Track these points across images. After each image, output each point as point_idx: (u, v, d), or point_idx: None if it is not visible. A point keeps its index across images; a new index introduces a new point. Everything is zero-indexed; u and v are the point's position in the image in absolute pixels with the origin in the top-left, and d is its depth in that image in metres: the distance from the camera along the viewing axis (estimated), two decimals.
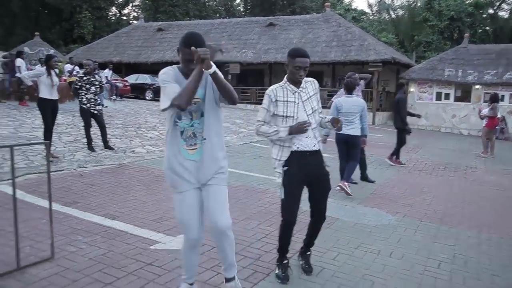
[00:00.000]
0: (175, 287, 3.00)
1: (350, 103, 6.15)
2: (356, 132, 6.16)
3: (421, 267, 3.73)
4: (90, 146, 8.26)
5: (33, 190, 5.31)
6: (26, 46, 24.33)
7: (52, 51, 19.41)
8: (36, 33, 28.47)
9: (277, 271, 3.36)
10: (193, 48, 2.41)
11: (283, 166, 3.25)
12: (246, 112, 20.73)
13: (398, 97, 8.88)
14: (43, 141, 6.72)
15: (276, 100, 3.23)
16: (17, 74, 7.34)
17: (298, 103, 3.24)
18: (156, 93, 23.14)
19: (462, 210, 5.77)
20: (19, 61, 14.51)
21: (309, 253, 3.56)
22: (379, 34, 34.30)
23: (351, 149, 6.22)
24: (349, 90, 6.26)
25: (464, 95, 20.71)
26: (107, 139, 8.56)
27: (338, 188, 5.93)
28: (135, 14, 48.27)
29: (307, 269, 3.46)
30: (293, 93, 3.24)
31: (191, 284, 2.91)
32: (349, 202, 5.74)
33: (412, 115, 9.40)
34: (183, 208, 2.67)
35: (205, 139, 2.66)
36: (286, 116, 3.21)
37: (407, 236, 4.54)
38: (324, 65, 23.24)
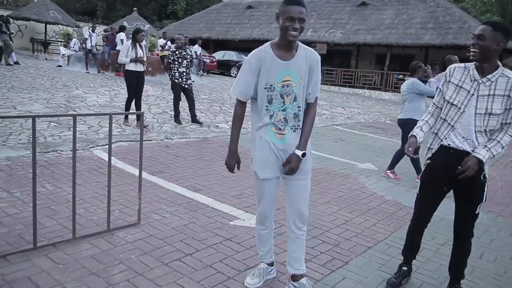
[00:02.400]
0: (253, 264, 3.02)
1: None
2: (402, 115, 6.00)
3: None
4: (177, 119, 8.58)
5: (124, 157, 5.63)
6: (125, 21, 25.74)
7: (147, 26, 20.31)
8: (134, 8, 29.99)
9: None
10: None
11: (428, 158, 2.81)
12: (329, 94, 20.36)
13: None
14: (138, 111, 7.07)
15: (450, 81, 2.69)
16: (118, 59, 7.69)
17: (473, 94, 2.57)
18: None
19: None
20: (122, 35, 15.38)
21: (457, 285, 2.91)
22: (482, 16, 31.55)
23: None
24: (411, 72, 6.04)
25: None
26: (195, 113, 8.82)
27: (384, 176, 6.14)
28: None
29: None
30: (471, 80, 2.59)
31: (270, 265, 2.86)
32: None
33: None
34: (264, 193, 2.62)
35: (297, 128, 2.52)
36: (452, 104, 2.64)
37: (501, 238, 4.17)
38: (416, 48, 22.00)
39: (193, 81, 9.38)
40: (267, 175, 2.57)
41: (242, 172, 5.51)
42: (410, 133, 2.84)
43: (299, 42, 2.48)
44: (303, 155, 2.50)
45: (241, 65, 19.27)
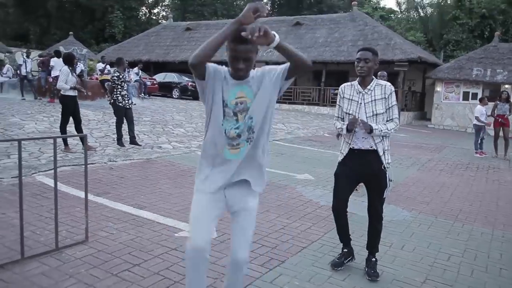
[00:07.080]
0: None
1: None
2: None
3: (431, 260, 3.89)
4: (120, 142, 8.67)
5: (68, 181, 5.70)
6: (61, 45, 25.22)
7: (85, 50, 20.07)
8: (70, 32, 29.49)
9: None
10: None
11: (342, 159, 3.50)
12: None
13: None
14: (81, 134, 7.13)
15: (343, 97, 3.46)
16: (58, 85, 7.78)
17: (361, 103, 3.36)
18: (183, 92, 23.64)
19: (479, 208, 5.86)
20: (54, 61, 15.15)
21: (374, 259, 3.54)
22: (407, 33, 33.87)
23: None
24: None
25: (493, 95, 20.33)
26: (134, 135, 8.96)
27: None
28: (164, 13, 49.37)
29: (371, 274, 3.42)
30: (357, 93, 3.39)
31: None
32: (366, 199, 5.90)
33: None
34: (200, 208, 2.50)
35: (250, 140, 2.35)
36: (348, 114, 3.40)
37: (421, 231, 4.69)
38: (349, 64, 23.19)
39: (135, 104, 9.54)
40: (208, 188, 2.44)
41: (185, 189, 5.78)
42: (342, 128, 3.47)
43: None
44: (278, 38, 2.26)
45: (183, 86, 19.36)
